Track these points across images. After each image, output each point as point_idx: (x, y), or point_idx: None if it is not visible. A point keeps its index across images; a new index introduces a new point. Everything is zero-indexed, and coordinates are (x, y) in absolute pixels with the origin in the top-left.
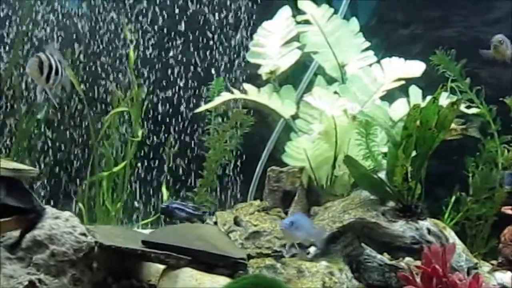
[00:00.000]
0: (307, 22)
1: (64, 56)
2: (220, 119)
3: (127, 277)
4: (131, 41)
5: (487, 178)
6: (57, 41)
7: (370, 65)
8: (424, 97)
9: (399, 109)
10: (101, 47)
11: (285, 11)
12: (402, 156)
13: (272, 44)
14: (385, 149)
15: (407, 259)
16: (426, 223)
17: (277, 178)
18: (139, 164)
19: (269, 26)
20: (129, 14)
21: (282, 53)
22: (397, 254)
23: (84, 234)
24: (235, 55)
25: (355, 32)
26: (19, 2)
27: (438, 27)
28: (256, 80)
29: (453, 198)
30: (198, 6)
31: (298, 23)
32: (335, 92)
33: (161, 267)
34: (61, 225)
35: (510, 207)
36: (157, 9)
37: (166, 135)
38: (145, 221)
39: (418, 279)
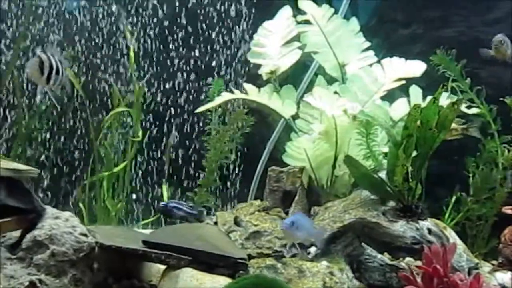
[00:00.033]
0: (307, 22)
1: (65, 56)
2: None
3: (128, 277)
4: (131, 42)
5: (488, 178)
6: (56, 41)
7: (371, 65)
8: (424, 97)
9: (400, 109)
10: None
11: (285, 11)
12: (403, 156)
13: (272, 44)
14: (385, 149)
15: (408, 259)
16: (427, 223)
17: (278, 178)
18: (139, 165)
19: (270, 26)
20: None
21: (282, 53)
22: (398, 254)
23: (84, 234)
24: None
25: (355, 32)
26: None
27: (438, 27)
28: (257, 80)
29: (454, 198)
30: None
31: (298, 23)
32: (336, 92)
33: (162, 267)
34: (61, 225)
35: (510, 207)
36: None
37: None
38: (146, 221)
39: (419, 279)
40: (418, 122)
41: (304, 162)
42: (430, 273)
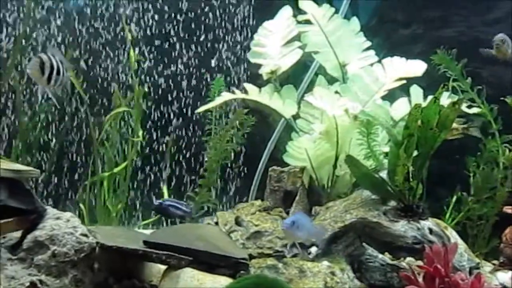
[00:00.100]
0: (308, 21)
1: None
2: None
3: (128, 278)
4: (132, 41)
5: (489, 178)
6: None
7: (371, 64)
8: (425, 96)
9: (400, 108)
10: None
11: (286, 11)
12: (404, 155)
13: (273, 44)
14: (386, 149)
15: (409, 259)
16: (428, 223)
17: (278, 178)
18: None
19: (270, 25)
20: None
21: (283, 53)
22: (399, 254)
23: (85, 235)
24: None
25: (356, 31)
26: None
27: (439, 27)
28: (257, 80)
29: (455, 198)
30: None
31: (299, 22)
32: (336, 92)
33: (163, 267)
34: (62, 225)
35: (511, 206)
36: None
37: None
38: (146, 221)
39: (420, 279)
40: (419, 122)
41: (305, 162)
42: (431, 273)
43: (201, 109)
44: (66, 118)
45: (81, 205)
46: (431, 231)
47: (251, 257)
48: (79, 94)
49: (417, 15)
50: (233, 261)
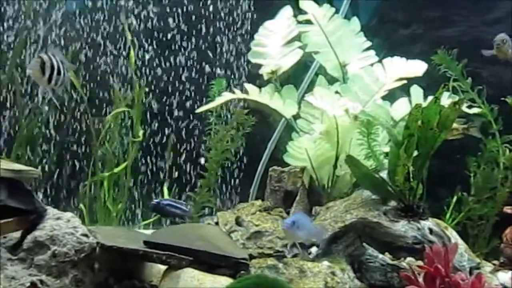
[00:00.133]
0: (308, 21)
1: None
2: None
3: (129, 278)
4: (132, 41)
5: (489, 178)
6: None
7: (372, 64)
8: (425, 96)
9: (401, 108)
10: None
11: (286, 11)
12: (404, 155)
13: (273, 44)
14: (386, 149)
15: (409, 259)
16: (428, 223)
17: (279, 178)
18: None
19: (271, 25)
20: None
21: (283, 53)
22: (399, 254)
23: (85, 235)
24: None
25: (356, 31)
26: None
27: (439, 27)
28: (258, 80)
29: (455, 198)
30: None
31: (299, 22)
32: (337, 92)
33: (163, 267)
34: (62, 226)
35: (511, 207)
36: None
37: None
38: (147, 221)
39: (420, 279)
40: (419, 122)
41: (305, 162)
42: (431, 273)
43: (202, 109)
44: (67, 118)
45: (82, 205)
46: (431, 231)
47: (252, 257)
48: (79, 94)
49: (417, 15)
50: (234, 261)
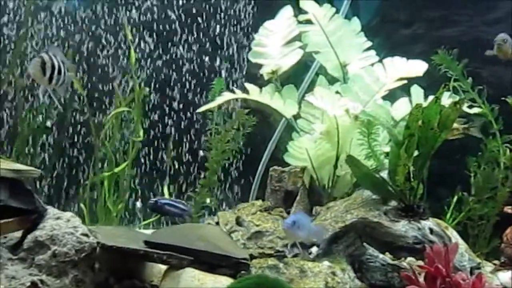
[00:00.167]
0: (308, 21)
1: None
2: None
3: (129, 278)
4: (132, 41)
5: (489, 178)
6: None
7: (372, 64)
8: (426, 96)
9: (401, 108)
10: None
11: (286, 11)
12: (404, 155)
13: (274, 44)
14: (387, 149)
15: (409, 259)
16: (429, 223)
17: (279, 178)
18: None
19: (271, 25)
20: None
21: (284, 53)
22: (399, 254)
23: (86, 235)
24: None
25: (356, 31)
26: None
27: (440, 27)
28: (258, 80)
29: (455, 198)
30: None
31: (299, 22)
32: (337, 92)
33: (164, 267)
34: (62, 225)
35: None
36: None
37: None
38: (147, 221)
39: (421, 279)
40: (420, 122)
41: (306, 162)
42: (432, 272)
43: (202, 108)
44: (67, 118)
45: (82, 205)
46: (431, 231)
47: (252, 257)
48: (79, 94)
49: (418, 15)
50: (234, 261)
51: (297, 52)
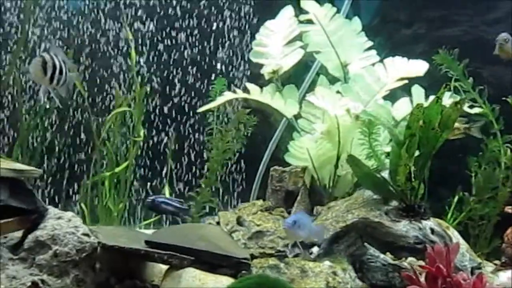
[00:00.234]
0: (309, 21)
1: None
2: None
3: (130, 278)
4: (132, 41)
5: (490, 178)
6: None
7: (373, 64)
8: (426, 96)
9: (402, 108)
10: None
11: (287, 11)
12: (405, 155)
13: (274, 44)
14: (388, 149)
15: (410, 259)
16: (430, 223)
17: (280, 178)
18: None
19: (272, 25)
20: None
21: (284, 53)
22: (400, 254)
23: (86, 235)
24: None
25: (357, 31)
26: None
27: (440, 27)
28: (259, 80)
29: (456, 198)
30: None
31: (300, 22)
32: (338, 92)
33: (164, 267)
34: (63, 225)
35: None
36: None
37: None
38: (148, 221)
39: (422, 279)
40: (421, 122)
41: (307, 162)
42: (433, 272)
43: (203, 108)
44: (67, 118)
45: (83, 205)
46: (432, 231)
47: (253, 257)
48: (80, 93)
49: (419, 15)
50: (235, 261)
51: (298, 52)
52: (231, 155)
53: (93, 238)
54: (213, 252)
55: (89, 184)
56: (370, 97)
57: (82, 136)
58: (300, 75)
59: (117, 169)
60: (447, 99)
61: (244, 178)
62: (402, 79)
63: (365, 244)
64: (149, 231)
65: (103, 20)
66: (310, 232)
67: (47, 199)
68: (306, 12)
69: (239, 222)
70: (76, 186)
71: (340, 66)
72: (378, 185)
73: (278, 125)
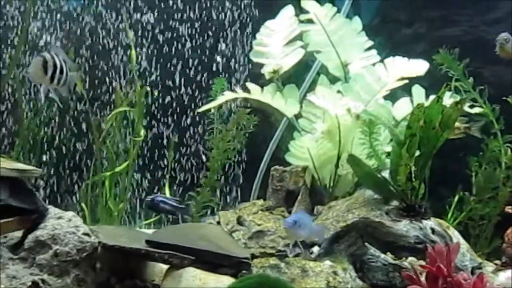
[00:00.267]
0: (310, 21)
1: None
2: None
3: (130, 277)
4: (133, 41)
5: (491, 178)
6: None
7: (374, 64)
8: (427, 96)
9: (403, 108)
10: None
11: (288, 10)
12: (406, 155)
13: (275, 43)
14: (388, 148)
15: (410, 258)
16: (430, 223)
17: (281, 178)
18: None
19: (272, 25)
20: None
21: (285, 52)
22: (401, 253)
23: (87, 234)
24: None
25: (358, 31)
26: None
27: (441, 27)
28: (259, 80)
29: (457, 198)
30: None
31: (301, 22)
32: (338, 91)
33: (165, 267)
34: (64, 225)
35: None
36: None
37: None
38: (148, 220)
39: (422, 279)
40: (421, 122)
41: (307, 162)
42: (434, 272)
43: (203, 108)
44: (68, 117)
45: (83, 205)
46: (433, 230)
47: (254, 256)
48: (80, 93)
49: (419, 14)
50: (236, 260)
51: (298, 52)
52: (232, 155)
53: (93, 238)
54: (213, 252)
55: (90, 183)
56: (370, 97)
57: (82, 136)
58: (301, 75)
59: (117, 169)
60: (448, 99)
61: (244, 177)
62: (402, 78)
63: (366, 243)
64: (150, 231)
65: (103, 20)
66: (310, 232)
67: (47, 199)
68: (307, 12)
69: (240, 221)
70: (76, 186)
71: (341, 65)
72: (379, 184)
73: (279, 124)
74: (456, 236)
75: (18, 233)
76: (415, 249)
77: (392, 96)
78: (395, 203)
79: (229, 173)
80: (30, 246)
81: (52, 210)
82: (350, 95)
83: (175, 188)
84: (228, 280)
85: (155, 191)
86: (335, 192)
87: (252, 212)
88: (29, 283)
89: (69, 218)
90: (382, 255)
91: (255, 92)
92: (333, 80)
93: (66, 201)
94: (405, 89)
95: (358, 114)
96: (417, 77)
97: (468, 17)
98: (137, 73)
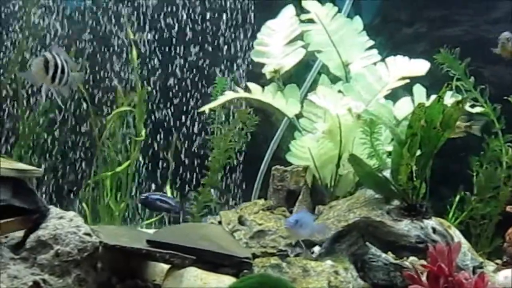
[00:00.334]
0: (311, 21)
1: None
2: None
3: (131, 277)
4: (134, 41)
5: (492, 177)
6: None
7: (375, 63)
8: (428, 96)
9: (404, 108)
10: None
11: (288, 10)
12: (407, 155)
13: (276, 43)
14: (389, 148)
15: (411, 258)
16: (431, 222)
17: (281, 177)
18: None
19: (273, 25)
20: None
21: (286, 52)
22: (402, 253)
23: (88, 234)
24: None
25: (358, 30)
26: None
27: (442, 26)
28: (260, 79)
29: (458, 197)
30: None
31: (302, 22)
32: (339, 91)
33: (166, 266)
34: (65, 225)
35: None
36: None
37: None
38: (149, 220)
39: (423, 278)
40: (423, 121)
41: (308, 161)
42: (435, 272)
43: (204, 108)
44: (68, 117)
45: (84, 205)
46: (434, 230)
47: (255, 256)
48: (81, 93)
49: (420, 14)
50: (237, 260)
51: (299, 51)
52: (232, 155)
53: (94, 238)
54: (215, 252)
55: (91, 183)
56: (371, 97)
57: (82, 135)
58: (302, 75)
59: (118, 169)
60: (449, 99)
61: (245, 177)
62: (403, 78)
63: (367, 243)
64: (151, 231)
65: (104, 20)
66: (312, 231)
67: (48, 199)
68: (307, 12)
69: (241, 221)
70: (77, 186)
71: (342, 65)
72: (380, 184)
73: (280, 124)
74: (457, 236)
75: (20, 233)
76: (416, 249)
77: (393, 96)
78: (396, 202)
79: (229, 173)
80: (32, 246)
81: (53, 210)
82: (351, 94)
83: (176, 187)
84: (229, 280)
85: (153, 189)
86: (336, 191)
87: (253, 212)
88: (30, 283)
89: (70, 218)
90: (383, 255)
91: (256, 92)
92: (334, 79)
93: (67, 201)
94: (406, 89)
95: (359, 113)
96: (418, 77)
97: (468, 17)
98: (138, 72)
